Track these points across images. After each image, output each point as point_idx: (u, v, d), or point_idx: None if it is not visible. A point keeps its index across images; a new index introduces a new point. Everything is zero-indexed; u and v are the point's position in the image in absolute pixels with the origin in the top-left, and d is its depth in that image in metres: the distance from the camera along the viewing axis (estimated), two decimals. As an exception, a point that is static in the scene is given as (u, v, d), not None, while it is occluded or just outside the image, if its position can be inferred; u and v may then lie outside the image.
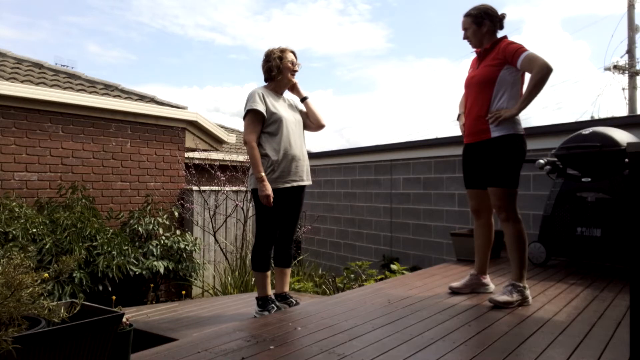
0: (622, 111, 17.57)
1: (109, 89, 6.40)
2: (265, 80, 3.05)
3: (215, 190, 6.54)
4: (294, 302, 3.03)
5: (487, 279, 3.12)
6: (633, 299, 1.67)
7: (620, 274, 3.58)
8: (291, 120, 2.96)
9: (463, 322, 2.43)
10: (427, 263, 5.70)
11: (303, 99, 3.14)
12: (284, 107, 2.99)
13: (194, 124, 6.81)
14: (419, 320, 2.48)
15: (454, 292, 3.09)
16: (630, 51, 15.09)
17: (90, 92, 5.97)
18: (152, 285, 5.28)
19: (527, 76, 2.73)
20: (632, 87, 15.28)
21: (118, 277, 4.67)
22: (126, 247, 4.97)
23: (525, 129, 2.85)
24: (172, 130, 6.51)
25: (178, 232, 5.84)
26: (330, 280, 5.61)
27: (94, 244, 4.74)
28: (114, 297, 4.24)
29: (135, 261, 5.00)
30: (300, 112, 3.14)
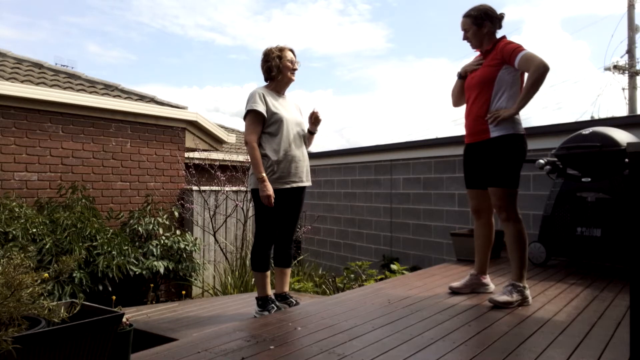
0: (622, 111, 17.58)
1: (109, 89, 6.40)
2: (266, 80, 3.04)
3: (215, 190, 6.54)
4: (294, 302, 3.03)
5: (487, 279, 3.12)
6: (633, 299, 1.67)
7: (620, 274, 3.58)
8: (292, 121, 2.95)
9: (463, 322, 2.43)
10: (427, 263, 5.70)
11: (311, 132, 3.13)
12: (285, 107, 2.98)
13: (194, 124, 6.81)
14: (419, 320, 2.48)
15: (454, 292, 3.09)
16: (630, 51, 15.09)
17: (90, 92, 5.97)
18: (152, 285, 5.28)
19: (527, 76, 2.73)
20: (632, 87, 15.28)
21: (118, 277, 4.67)
22: (126, 247, 4.97)
23: (525, 129, 2.85)
24: (172, 130, 6.51)
25: (178, 232, 5.84)
26: (330, 280, 5.61)
27: (94, 244, 4.74)
28: (114, 297, 4.24)
29: (135, 261, 5.00)
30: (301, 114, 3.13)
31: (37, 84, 5.55)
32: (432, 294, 3.08)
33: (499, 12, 2.87)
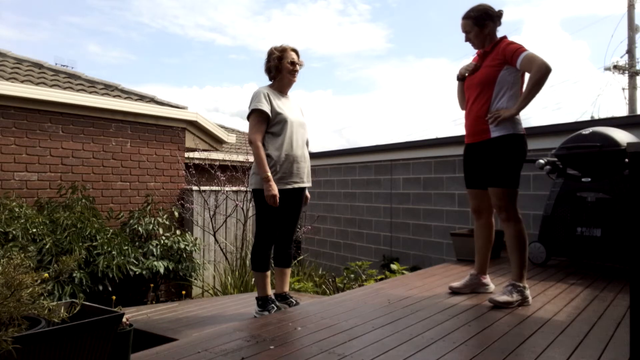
0: (622, 111, 17.58)
1: (109, 89, 6.40)
2: (269, 79, 3.04)
3: (215, 190, 6.54)
4: (294, 302, 3.03)
5: (487, 279, 3.11)
6: (633, 299, 1.67)
7: (620, 274, 3.58)
8: (296, 122, 2.94)
9: (463, 322, 2.43)
10: (427, 263, 5.70)
11: None
12: (289, 107, 2.97)
13: (194, 124, 6.81)
14: (419, 320, 2.48)
15: (454, 292, 3.09)
16: (630, 51, 15.09)
17: (90, 92, 5.97)
18: (152, 285, 5.28)
19: (527, 76, 2.73)
20: (632, 87, 15.28)
21: (118, 277, 4.67)
22: (126, 247, 4.97)
23: (525, 129, 2.85)
24: (172, 130, 6.51)
25: (178, 232, 5.84)
26: (330, 280, 5.61)
27: (94, 244, 4.74)
28: (114, 297, 4.24)
29: (135, 261, 5.00)
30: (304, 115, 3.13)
31: (37, 84, 5.55)
32: (432, 294, 3.08)
33: (497, 9, 2.86)
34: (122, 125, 5.97)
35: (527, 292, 2.76)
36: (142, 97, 6.59)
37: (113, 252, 4.77)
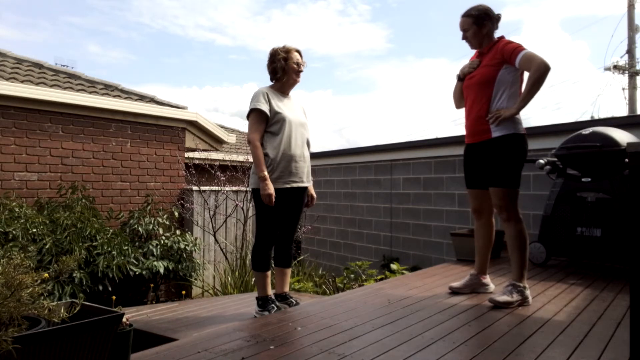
0: (622, 111, 17.58)
1: (109, 89, 6.40)
2: (271, 80, 3.04)
3: (215, 190, 6.54)
4: (294, 302, 3.03)
5: (487, 279, 3.12)
6: (633, 299, 1.67)
7: (620, 274, 3.58)
8: (295, 121, 2.94)
9: (463, 322, 2.43)
10: (427, 263, 5.70)
11: None
12: (289, 107, 2.98)
13: (194, 124, 6.81)
14: (419, 320, 2.48)
15: (454, 292, 3.09)
16: (630, 51, 15.09)
17: (90, 92, 5.97)
18: (152, 285, 5.28)
19: (527, 75, 2.73)
20: (632, 87, 15.28)
21: (118, 277, 4.67)
22: (126, 247, 4.97)
23: (525, 129, 2.85)
24: (172, 130, 6.51)
25: (178, 232, 5.84)
26: (330, 280, 5.61)
27: (94, 244, 4.74)
28: (114, 297, 4.25)
29: (135, 261, 5.00)
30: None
31: (37, 84, 5.55)
32: (432, 294, 3.08)
33: (496, 12, 2.87)
34: (122, 125, 5.97)
35: (527, 292, 2.76)
36: (142, 97, 6.59)
37: (113, 252, 4.77)
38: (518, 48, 2.69)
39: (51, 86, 5.67)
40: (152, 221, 5.66)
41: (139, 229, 5.52)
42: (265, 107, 2.84)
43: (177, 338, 2.69)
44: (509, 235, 2.77)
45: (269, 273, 2.97)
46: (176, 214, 6.20)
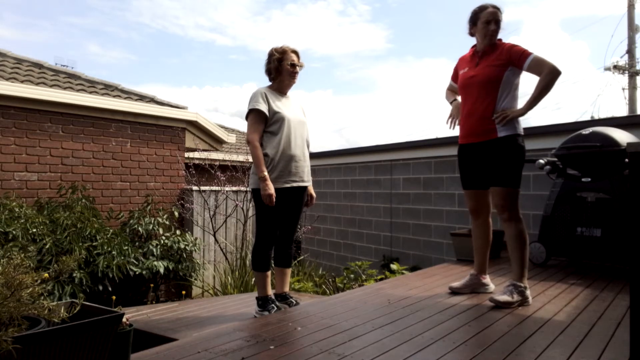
0: (622, 111, 17.58)
1: (109, 89, 6.40)
2: (268, 80, 3.04)
3: (215, 190, 6.54)
4: (294, 302, 3.03)
5: (487, 279, 3.11)
6: (633, 299, 1.67)
7: (620, 274, 3.58)
8: (295, 121, 2.94)
9: (463, 322, 2.43)
10: (427, 263, 5.70)
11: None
12: (288, 106, 2.97)
13: (194, 124, 6.81)
14: (419, 320, 2.48)
15: (454, 292, 3.09)
16: (630, 51, 15.09)
17: (90, 92, 5.97)
18: (152, 285, 5.28)
19: (524, 78, 2.75)
20: (632, 87, 15.28)
21: (118, 277, 4.67)
22: (126, 247, 4.97)
23: (525, 129, 2.86)
24: (172, 130, 6.51)
25: (178, 232, 5.84)
26: (330, 280, 5.61)
27: (94, 244, 4.74)
28: (114, 297, 4.25)
29: (135, 261, 5.00)
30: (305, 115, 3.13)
31: (37, 84, 5.55)
32: (432, 294, 3.08)
33: None
34: (122, 125, 5.97)
35: (528, 292, 2.76)
36: (142, 97, 6.59)
37: (113, 252, 4.77)
38: (526, 52, 2.71)
39: (51, 86, 5.67)
40: (152, 221, 5.66)
41: (139, 229, 5.52)
42: (263, 107, 2.84)
43: (177, 338, 2.69)
44: (510, 235, 2.77)
45: (269, 273, 2.97)
46: (176, 214, 6.20)
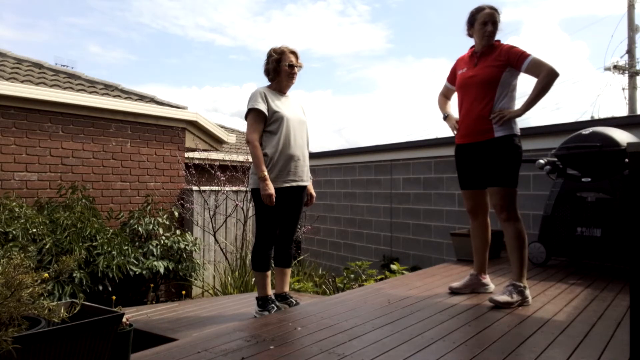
0: (622, 111, 17.58)
1: (109, 89, 6.40)
2: (267, 80, 3.04)
3: (215, 190, 6.54)
4: (294, 302, 3.03)
5: (487, 279, 3.12)
6: (633, 299, 1.67)
7: (620, 274, 3.58)
8: (294, 120, 2.94)
9: (463, 322, 2.43)
10: (427, 263, 5.70)
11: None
12: (287, 106, 2.97)
13: (194, 124, 6.81)
14: (419, 320, 2.48)
15: (454, 292, 3.09)
16: (630, 51, 15.09)
17: (90, 92, 5.97)
18: (152, 285, 5.28)
19: (524, 79, 2.75)
20: (632, 87, 15.28)
21: (118, 277, 4.67)
22: (126, 247, 4.97)
23: (525, 129, 2.87)
24: (172, 130, 6.51)
25: (178, 232, 5.84)
26: (330, 280, 5.61)
27: (94, 244, 4.74)
28: (114, 297, 4.25)
29: (135, 261, 5.00)
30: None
31: (37, 84, 5.55)
32: (432, 294, 3.08)
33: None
34: (122, 125, 5.97)
35: (527, 292, 2.76)
36: (142, 97, 6.59)
37: (113, 252, 4.76)
38: (524, 53, 2.71)
39: (51, 86, 5.67)
40: (152, 221, 5.66)
41: (139, 229, 5.52)
42: (263, 107, 2.84)
43: (177, 338, 2.69)
44: (509, 236, 2.77)
45: (269, 273, 2.97)
46: (176, 214, 6.20)
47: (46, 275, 1.63)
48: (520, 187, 2.82)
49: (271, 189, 2.75)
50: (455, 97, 3.10)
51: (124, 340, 1.79)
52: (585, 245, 3.68)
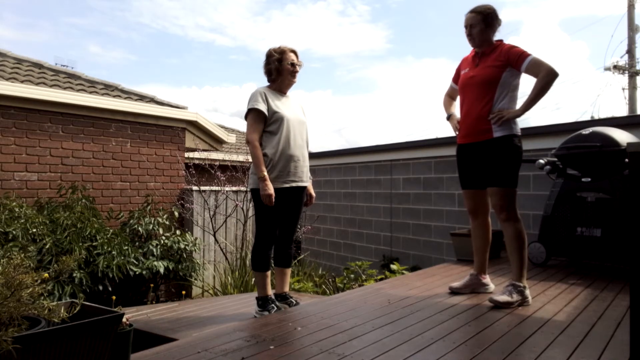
0: (622, 111, 17.58)
1: (109, 89, 6.40)
2: (267, 80, 3.04)
3: (215, 190, 6.54)
4: (294, 302, 3.03)
5: (487, 279, 3.12)
6: (633, 299, 1.67)
7: (620, 274, 3.58)
8: (294, 120, 2.94)
9: (463, 322, 2.43)
10: (427, 263, 5.70)
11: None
12: (287, 106, 2.97)
13: (194, 124, 6.81)
14: (419, 320, 2.48)
15: (454, 292, 3.09)
16: (630, 51, 15.09)
17: (90, 92, 5.97)
18: (152, 285, 5.28)
19: (523, 80, 2.75)
20: (632, 87, 15.28)
21: (118, 277, 4.67)
22: (126, 247, 4.97)
23: (525, 129, 2.87)
24: (172, 130, 6.51)
25: (178, 232, 5.84)
26: (330, 280, 5.61)
27: (94, 244, 4.74)
28: (114, 297, 4.25)
29: (135, 261, 5.00)
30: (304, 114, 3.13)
31: (37, 84, 5.55)
32: (432, 294, 3.08)
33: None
34: (122, 125, 5.97)
35: (527, 292, 2.76)
36: (142, 97, 6.59)
37: (113, 252, 4.76)
38: (524, 53, 2.71)
39: (51, 86, 5.67)
40: (152, 221, 5.66)
41: (139, 229, 5.52)
42: (263, 107, 2.84)
43: (177, 338, 2.69)
44: (508, 236, 2.77)
45: (269, 273, 2.97)
46: (176, 214, 6.20)
47: (46, 275, 1.63)
48: (520, 187, 2.82)
49: (271, 189, 2.75)
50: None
51: (124, 340, 1.79)
52: (585, 245, 3.68)
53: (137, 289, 5.35)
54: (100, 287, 4.66)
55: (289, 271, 3.13)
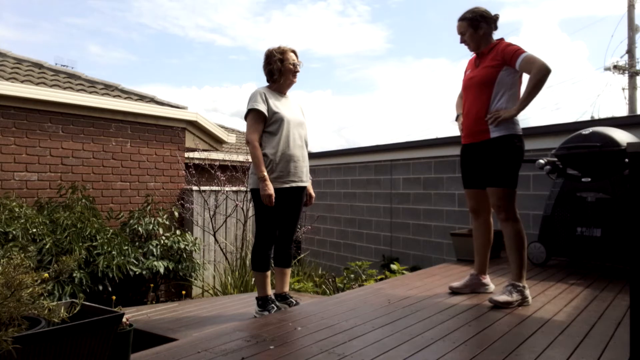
0: (622, 111, 17.58)
1: (109, 89, 6.40)
2: (268, 81, 3.04)
3: (215, 190, 6.54)
4: (294, 302, 3.03)
5: (487, 279, 3.12)
6: (633, 299, 1.67)
7: (620, 274, 3.58)
8: (294, 121, 2.94)
9: (463, 322, 2.43)
10: (427, 263, 5.70)
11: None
12: (287, 106, 2.98)
13: (194, 124, 6.81)
14: (419, 320, 2.48)
15: (454, 292, 3.09)
16: (630, 51, 15.09)
17: (90, 92, 5.97)
18: (152, 285, 5.28)
19: (525, 78, 2.74)
20: (632, 87, 15.28)
21: (118, 277, 4.67)
22: (126, 247, 4.97)
23: (525, 129, 2.86)
24: (172, 130, 6.51)
25: (178, 232, 5.84)
26: (330, 280, 5.61)
27: (94, 244, 4.74)
28: (114, 297, 4.24)
29: (135, 261, 5.00)
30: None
31: (37, 84, 5.55)
32: (432, 294, 3.08)
33: (493, 13, 2.88)
34: (122, 125, 5.97)
35: (527, 292, 2.76)
36: (142, 97, 6.59)
37: (113, 252, 4.76)
38: (519, 50, 2.70)
39: (51, 86, 5.67)
40: (152, 221, 5.66)
41: (139, 229, 5.52)
42: (263, 107, 2.84)
43: (177, 338, 2.69)
44: (508, 236, 2.77)
45: (269, 273, 2.97)
46: (176, 214, 6.20)
47: (46, 275, 1.63)
48: (520, 187, 2.82)
49: (271, 189, 2.75)
50: None
51: (124, 340, 1.79)
52: (585, 245, 3.68)
53: (137, 289, 5.35)
54: (100, 287, 4.66)
55: (289, 271, 3.13)
